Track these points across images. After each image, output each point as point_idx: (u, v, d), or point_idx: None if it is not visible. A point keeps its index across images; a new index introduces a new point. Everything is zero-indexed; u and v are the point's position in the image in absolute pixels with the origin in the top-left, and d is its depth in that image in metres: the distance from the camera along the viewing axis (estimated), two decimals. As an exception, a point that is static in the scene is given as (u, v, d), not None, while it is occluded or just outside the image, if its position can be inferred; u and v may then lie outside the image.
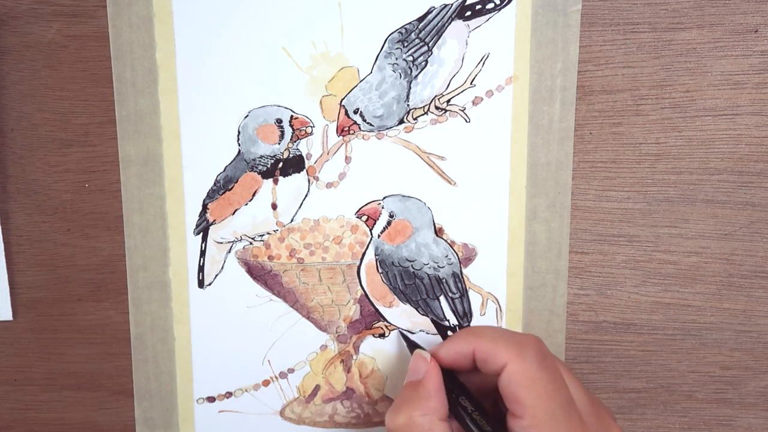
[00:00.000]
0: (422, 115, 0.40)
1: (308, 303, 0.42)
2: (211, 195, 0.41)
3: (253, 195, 0.41)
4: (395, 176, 0.41)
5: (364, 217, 0.41)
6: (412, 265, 0.41)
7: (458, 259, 0.41)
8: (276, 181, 0.41)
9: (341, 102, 0.40)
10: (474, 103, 0.40)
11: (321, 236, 0.41)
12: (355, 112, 0.40)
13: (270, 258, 0.41)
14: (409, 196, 0.41)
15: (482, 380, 0.35)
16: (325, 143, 0.40)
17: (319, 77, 0.40)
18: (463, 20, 0.39)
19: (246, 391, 0.43)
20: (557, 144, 0.40)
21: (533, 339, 0.34)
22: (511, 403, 0.32)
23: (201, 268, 0.42)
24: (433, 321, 0.42)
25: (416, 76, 0.40)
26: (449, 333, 0.42)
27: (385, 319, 0.42)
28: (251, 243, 0.41)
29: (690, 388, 0.43)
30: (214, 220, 0.41)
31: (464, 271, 0.41)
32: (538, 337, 0.35)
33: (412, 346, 0.40)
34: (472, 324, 0.42)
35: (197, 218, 0.41)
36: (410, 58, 0.39)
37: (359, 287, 0.42)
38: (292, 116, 0.40)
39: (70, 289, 0.43)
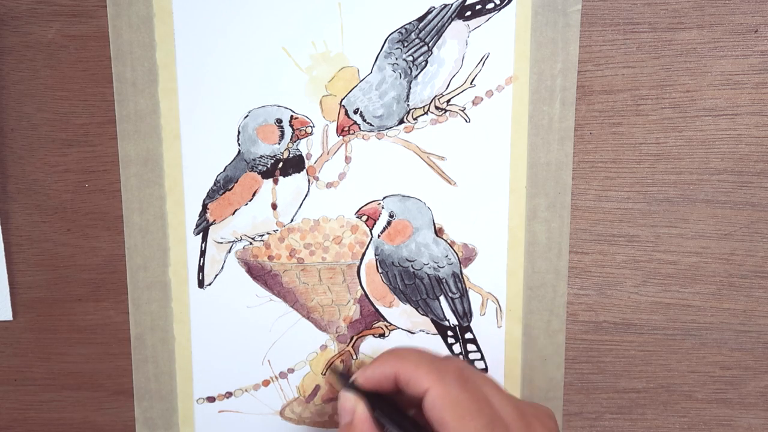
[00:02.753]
0: (422, 115, 0.40)
1: (308, 303, 0.42)
2: (211, 195, 0.41)
3: (253, 195, 0.41)
4: (395, 176, 0.41)
5: (364, 217, 0.41)
6: (412, 265, 0.41)
7: (458, 259, 0.41)
8: (276, 181, 0.41)
9: (341, 102, 0.40)
10: (474, 103, 0.40)
11: (321, 236, 0.41)
12: (355, 112, 0.40)
13: (270, 258, 0.41)
14: (409, 196, 0.41)
15: (413, 399, 0.36)
16: (325, 143, 0.40)
17: (319, 77, 0.40)
18: (463, 20, 0.39)
19: (246, 391, 0.43)
20: (557, 144, 0.40)
21: (454, 363, 0.35)
22: (436, 425, 0.33)
23: (201, 268, 0.42)
24: (433, 321, 0.42)
25: (416, 76, 0.40)
26: (449, 333, 0.42)
27: (385, 319, 0.42)
28: (251, 243, 0.41)
29: (690, 388, 0.43)
30: (214, 220, 0.41)
31: (464, 271, 0.41)
32: (461, 360, 0.36)
33: (342, 381, 0.39)
34: (471, 324, 0.42)
35: (197, 218, 0.41)
36: (410, 58, 0.39)
37: (359, 287, 0.42)
38: (292, 116, 0.40)
39: (70, 289, 0.43)
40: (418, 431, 0.34)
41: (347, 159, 0.41)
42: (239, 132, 0.40)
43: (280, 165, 0.41)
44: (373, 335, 0.43)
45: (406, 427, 0.34)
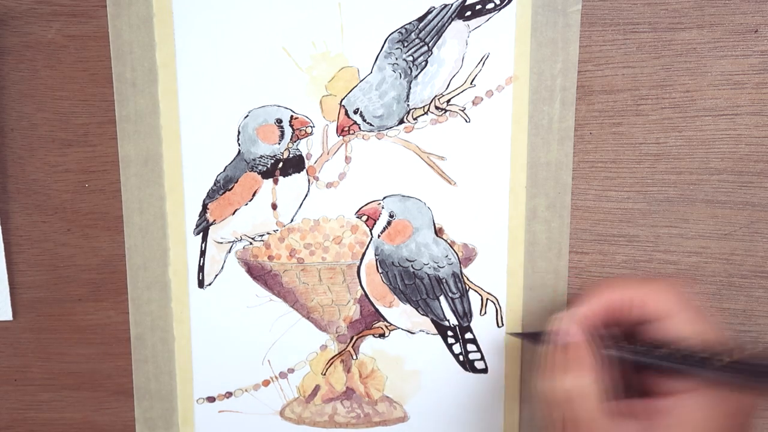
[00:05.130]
0: (422, 115, 0.40)
1: (308, 303, 0.42)
2: (211, 195, 0.41)
3: (253, 195, 0.41)
4: (395, 176, 0.41)
5: (364, 217, 0.41)
6: (412, 265, 0.41)
7: (458, 259, 0.41)
8: (276, 181, 0.41)
9: (341, 102, 0.40)
10: (474, 103, 0.40)
11: (321, 236, 0.41)
12: (355, 112, 0.40)
13: (270, 258, 0.41)
14: (409, 196, 0.41)
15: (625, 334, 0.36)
16: (325, 143, 0.40)
17: (319, 77, 0.40)
18: (463, 20, 0.39)
19: (246, 391, 0.43)
20: (557, 144, 0.40)
21: (665, 279, 0.35)
22: (673, 336, 0.33)
23: (201, 268, 0.42)
24: (433, 321, 0.42)
25: (416, 76, 0.40)
26: (449, 333, 0.42)
27: (385, 319, 0.42)
28: (251, 243, 0.41)
29: (690, 388, 0.43)
30: (214, 220, 0.41)
31: (464, 271, 0.41)
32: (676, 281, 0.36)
33: (531, 336, 0.39)
34: (471, 324, 0.42)
35: (197, 218, 0.41)
36: (410, 58, 0.39)
37: (359, 287, 0.42)
38: (292, 116, 0.40)
39: (70, 289, 0.43)
40: (667, 347, 0.33)
41: (347, 159, 0.41)
42: (239, 132, 0.40)
43: (280, 165, 0.41)
44: (373, 335, 0.43)
45: (643, 343, 0.34)
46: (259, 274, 0.42)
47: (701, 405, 0.31)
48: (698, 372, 0.31)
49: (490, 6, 0.39)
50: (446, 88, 0.40)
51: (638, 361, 0.34)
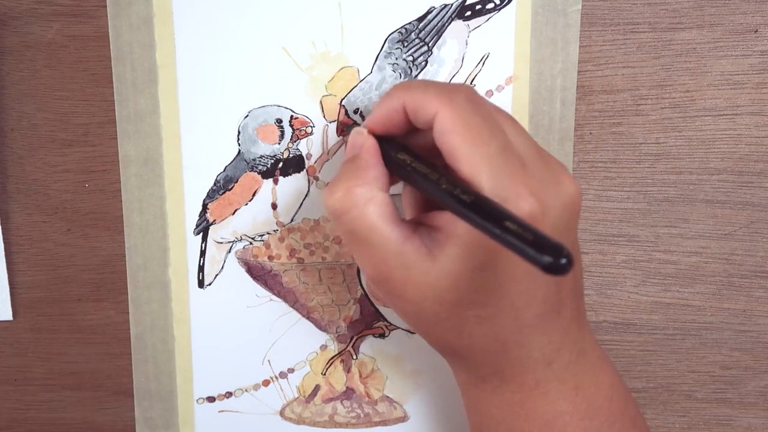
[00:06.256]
0: (422, 115, 0.40)
1: (308, 303, 0.42)
2: (211, 195, 0.41)
3: (253, 195, 0.41)
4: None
5: (364, 217, 0.41)
6: (412, 265, 0.41)
7: (458, 259, 0.41)
8: (276, 181, 0.41)
9: (341, 102, 0.40)
10: (474, 103, 0.40)
11: (321, 236, 0.41)
12: (356, 112, 0.40)
13: (270, 258, 0.41)
14: (409, 196, 0.41)
15: (423, 142, 0.32)
16: (325, 143, 0.40)
17: (319, 77, 0.40)
18: (463, 20, 0.39)
19: (246, 391, 0.43)
20: (557, 144, 0.40)
21: (465, 86, 0.31)
22: (446, 154, 0.29)
23: (201, 268, 0.42)
24: (433, 321, 0.42)
25: (416, 76, 0.40)
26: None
27: (385, 319, 0.42)
28: (251, 243, 0.41)
29: (690, 388, 0.43)
30: (214, 220, 0.41)
31: (464, 271, 0.41)
32: (470, 86, 0.32)
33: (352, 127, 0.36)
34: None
35: (197, 218, 0.41)
36: (410, 58, 0.39)
37: (359, 287, 0.42)
38: (292, 116, 0.40)
39: (70, 289, 0.43)
40: (432, 168, 0.30)
41: (347, 159, 0.41)
42: (239, 132, 0.40)
43: (280, 165, 0.41)
44: (373, 335, 0.43)
45: (420, 160, 0.30)
46: (259, 274, 0.42)
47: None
48: (446, 203, 0.28)
49: (490, 6, 0.39)
50: (446, 88, 0.40)
51: (407, 175, 0.31)
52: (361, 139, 0.32)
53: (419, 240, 0.30)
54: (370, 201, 0.30)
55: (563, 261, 0.22)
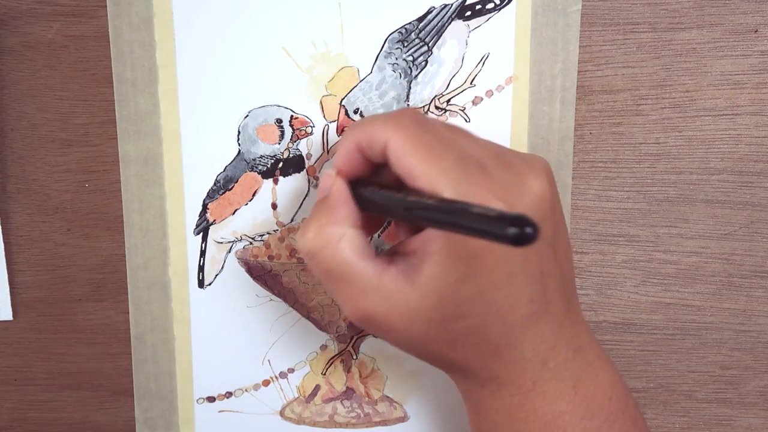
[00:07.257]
0: (422, 115, 0.40)
1: (308, 303, 0.42)
2: (211, 195, 0.41)
3: (253, 195, 0.41)
4: (395, 176, 0.41)
5: (364, 217, 0.41)
6: (412, 265, 0.41)
7: (458, 259, 0.41)
8: (276, 181, 0.41)
9: (341, 102, 0.40)
10: (474, 103, 0.40)
11: (321, 236, 0.41)
12: (356, 112, 0.40)
13: (270, 258, 0.41)
14: (409, 196, 0.41)
15: (390, 177, 0.33)
16: (325, 143, 0.40)
17: (319, 77, 0.40)
18: (463, 20, 0.39)
19: (246, 391, 0.43)
20: (557, 144, 0.40)
21: (409, 109, 0.32)
22: (407, 178, 0.30)
23: (201, 268, 0.42)
24: (433, 321, 0.42)
25: (416, 76, 0.40)
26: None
27: (385, 319, 0.42)
28: (251, 243, 0.41)
29: (690, 388, 0.43)
30: (214, 220, 0.41)
31: (464, 271, 0.41)
32: (414, 108, 0.33)
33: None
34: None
35: (197, 218, 0.41)
36: (410, 58, 0.39)
37: (359, 287, 0.42)
38: (292, 116, 0.40)
39: (70, 289, 0.43)
40: (398, 191, 0.30)
41: (347, 159, 0.41)
42: (239, 132, 0.40)
43: (280, 165, 0.41)
44: (373, 335, 0.43)
45: (386, 189, 0.31)
46: (259, 274, 0.42)
47: (436, 235, 0.29)
48: (415, 214, 0.29)
49: (490, 6, 0.39)
50: (446, 88, 0.40)
51: (379, 206, 0.31)
52: (330, 180, 0.33)
53: (395, 269, 0.30)
54: (342, 238, 0.31)
55: (528, 230, 0.22)
